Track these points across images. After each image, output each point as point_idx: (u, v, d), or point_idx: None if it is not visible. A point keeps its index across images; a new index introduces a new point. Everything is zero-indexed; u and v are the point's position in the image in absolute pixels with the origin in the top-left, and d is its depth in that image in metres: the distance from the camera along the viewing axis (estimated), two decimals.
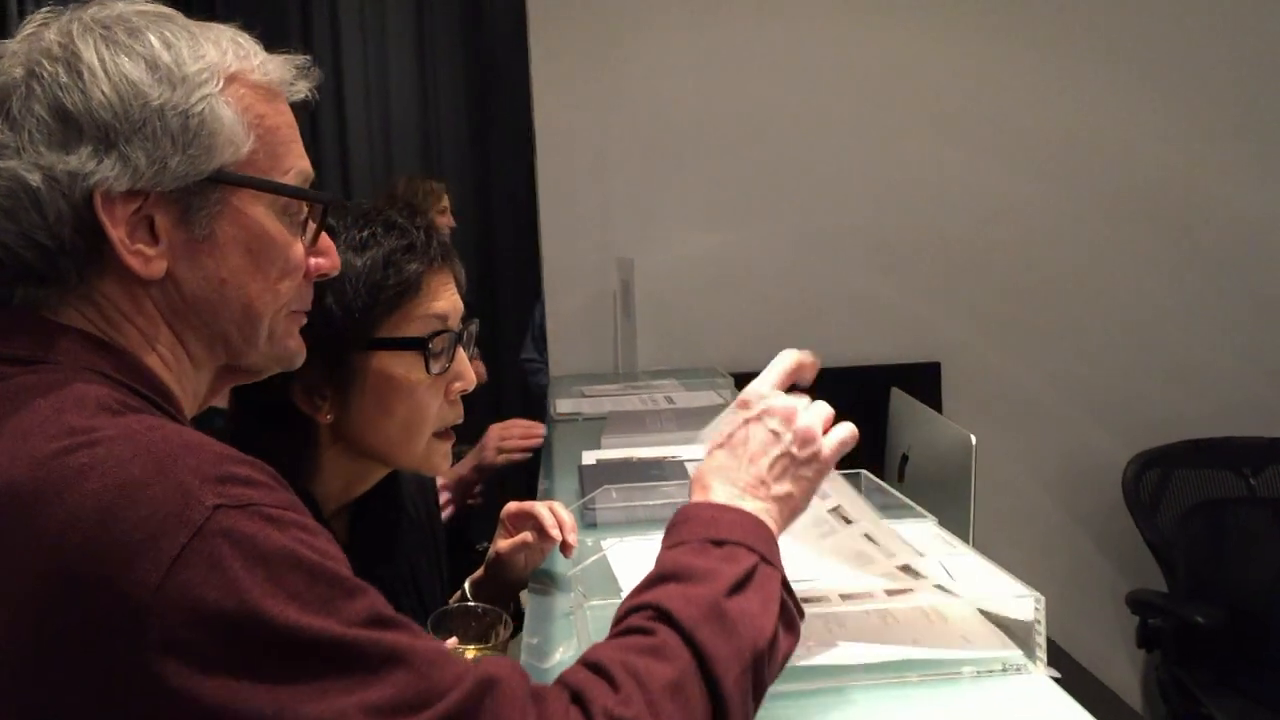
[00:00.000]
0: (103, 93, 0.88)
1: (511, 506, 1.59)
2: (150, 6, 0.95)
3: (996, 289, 3.71)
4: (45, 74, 0.88)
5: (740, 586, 0.93)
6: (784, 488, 1.07)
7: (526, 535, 1.54)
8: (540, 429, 2.56)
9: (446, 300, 1.35)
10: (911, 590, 1.27)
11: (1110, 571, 3.78)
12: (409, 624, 0.81)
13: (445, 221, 4.22)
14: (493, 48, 5.21)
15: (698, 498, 1.05)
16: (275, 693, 0.73)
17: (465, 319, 1.38)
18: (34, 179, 0.87)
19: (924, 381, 3.50)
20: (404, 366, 1.30)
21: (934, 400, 3.51)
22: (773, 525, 1.03)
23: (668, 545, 0.99)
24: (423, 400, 1.31)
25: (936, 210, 3.67)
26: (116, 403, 0.84)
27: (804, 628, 1.03)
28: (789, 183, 3.62)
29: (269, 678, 0.73)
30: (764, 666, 0.92)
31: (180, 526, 0.74)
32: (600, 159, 3.58)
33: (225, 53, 0.94)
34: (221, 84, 0.92)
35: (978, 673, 1.19)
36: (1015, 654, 1.20)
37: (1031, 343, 3.74)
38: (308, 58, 1.01)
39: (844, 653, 1.19)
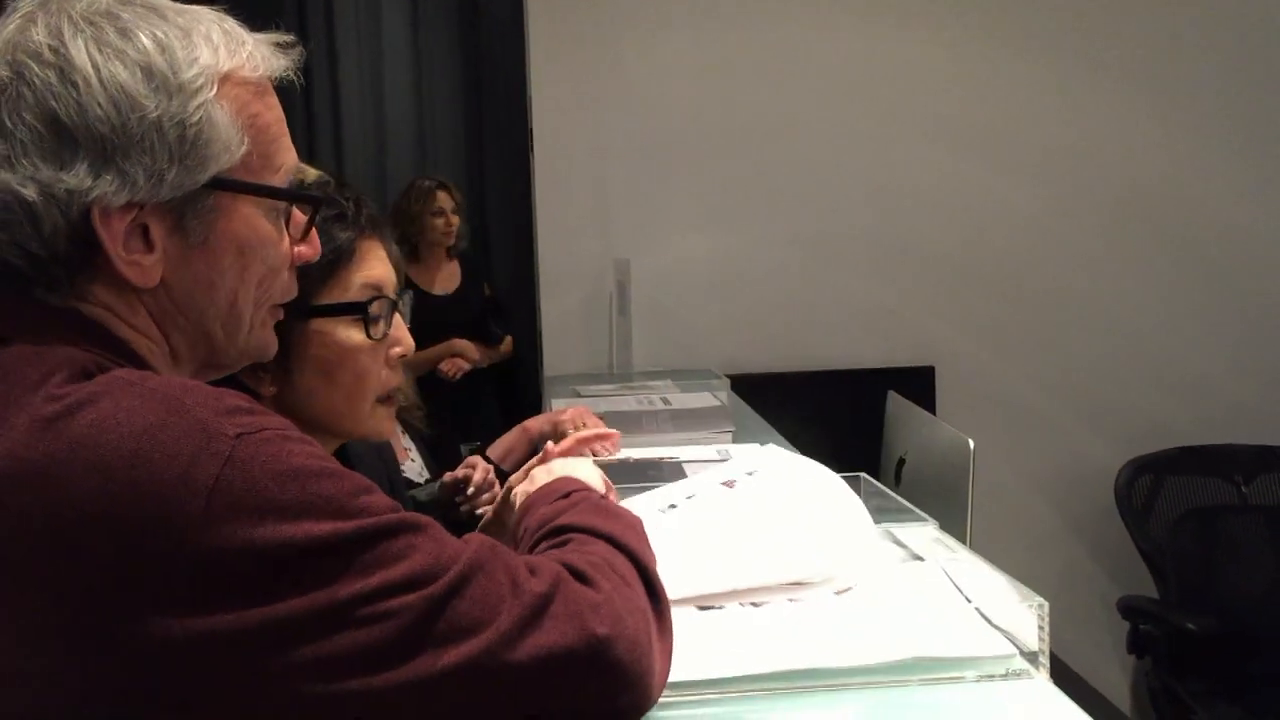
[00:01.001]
0: (99, 104, 0.85)
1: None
2: None
3: (991, 294, 3.72)
4: (36, 80, 0.85)
5: (603, 498, 1.11)
6: (565, 470, 1.25)
7: None
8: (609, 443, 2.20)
9: (380, 268, 1.37)
10: (851, 589, 1.31)
11: (1101, 577, 3.79)
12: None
13: (440, 223, 4.20)
14: (489, 47, 5.20)
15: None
16: (329, 588, 0.77)
17: (399, 291, 1.41)
18: (30, 193, 0.85)
19: (918, 385, 3.51)
20: (344, 332, 1.33)
21: (928, 404, 3.52)
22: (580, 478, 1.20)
23: (525, 522, 1.10)
24: (364, 365, 1.34)
25: (932, 215, 3.68)
26: (95, 366, 0.85)
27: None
28: (786, 186, 3.63)
29: (319, 578, 0.77)
30: (650, 544, 1.04)
31: (210, 459, 0.76)
32: (597, 160, 3.57)
33: (217, 50, 0.91)
34: (216, 88, 0.90)
35: (979, 677, 1.19)
36: (1018, 659, 1.20)
37: (1025, 348, 3.74)
38: (291, 36, 0.99)
39: (843, 652, 1.19)
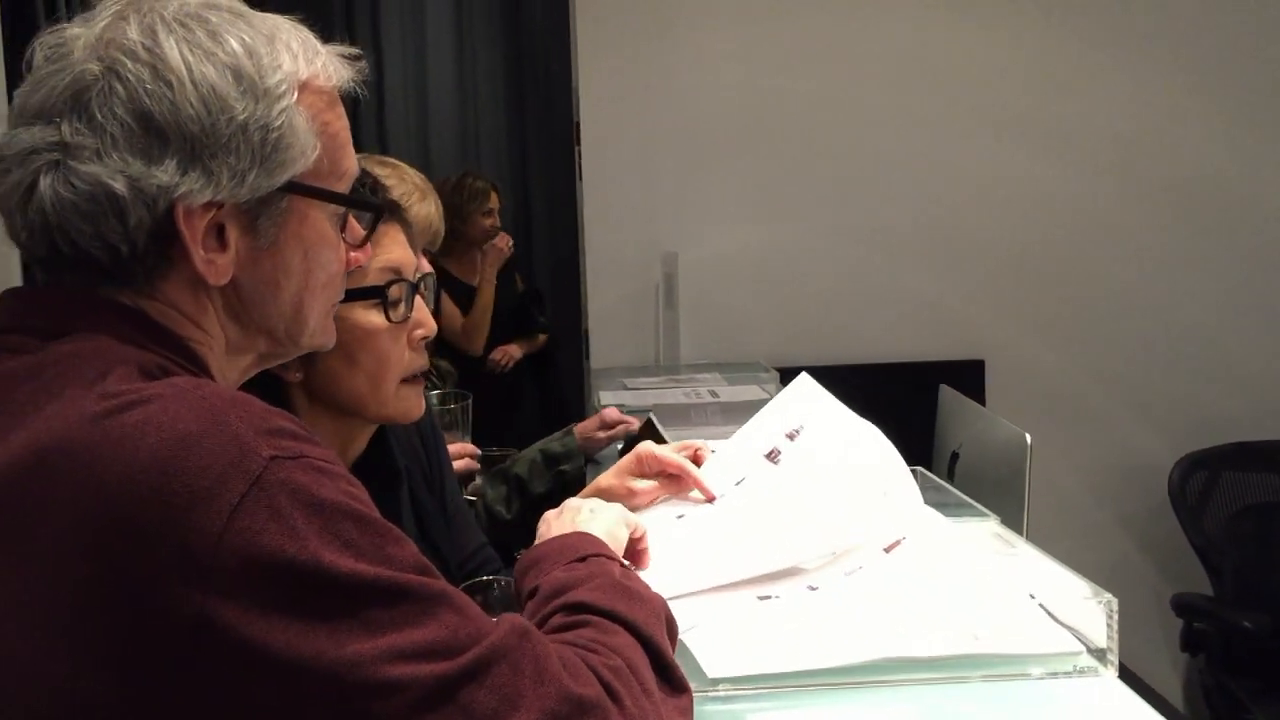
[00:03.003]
0: (191, 104, 0.87)
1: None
2: (223, 0, 0.94)
3: (1042, 287, 3.68)
4: (129, 75, 0.87)
5: (624, 569, 1.06)
6: (586, 524, 1.17)
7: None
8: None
9: (399, 251, 1.38)
10: (900, 541, 1.32)
11: (1154, 573, 3.74)
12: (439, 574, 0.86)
13: (489, 223, 4.22)
14: (533, 40, 5.21)
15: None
16: (335, 635, 0.75)
17: (422, 274, 1.42)
18: (119, 187, 0.86)
19: (968, 379, 3.47)
20: (365, 316, 1.33)
21: (978, 398, 3.48)
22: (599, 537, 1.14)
23: (534, 579, 1.04)
24: (385, 348, 1.35)
25: (982, 206, 3.64)
26: (157, 368, 0.86)
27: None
28: (834, 177, 3.60)
29: (327, 621, 0.76)
30: (673, 624, 1.02)
31: (239, 476, 0.76)
32: (644, 152, 3.56)
33: (297, 57, 0.93)
34: (296, 94, 0.92)
35: (1045, 674, 1.17)
36: (1085, 656, 1.18)
37: (1077, 341, 3.70)
38: (357, 50, 1.01)
39: (907, 644, 1.18)
